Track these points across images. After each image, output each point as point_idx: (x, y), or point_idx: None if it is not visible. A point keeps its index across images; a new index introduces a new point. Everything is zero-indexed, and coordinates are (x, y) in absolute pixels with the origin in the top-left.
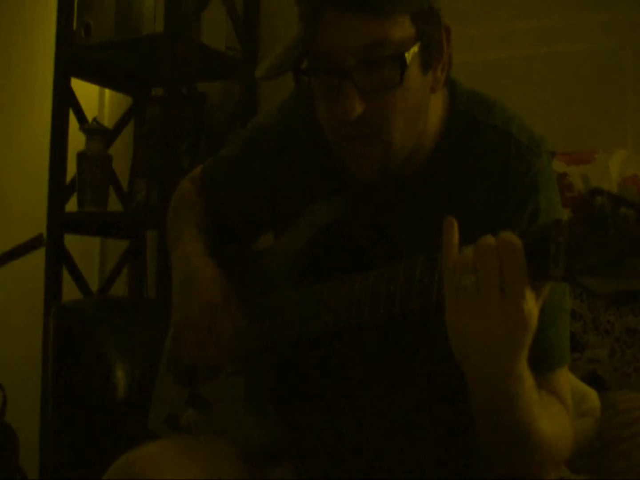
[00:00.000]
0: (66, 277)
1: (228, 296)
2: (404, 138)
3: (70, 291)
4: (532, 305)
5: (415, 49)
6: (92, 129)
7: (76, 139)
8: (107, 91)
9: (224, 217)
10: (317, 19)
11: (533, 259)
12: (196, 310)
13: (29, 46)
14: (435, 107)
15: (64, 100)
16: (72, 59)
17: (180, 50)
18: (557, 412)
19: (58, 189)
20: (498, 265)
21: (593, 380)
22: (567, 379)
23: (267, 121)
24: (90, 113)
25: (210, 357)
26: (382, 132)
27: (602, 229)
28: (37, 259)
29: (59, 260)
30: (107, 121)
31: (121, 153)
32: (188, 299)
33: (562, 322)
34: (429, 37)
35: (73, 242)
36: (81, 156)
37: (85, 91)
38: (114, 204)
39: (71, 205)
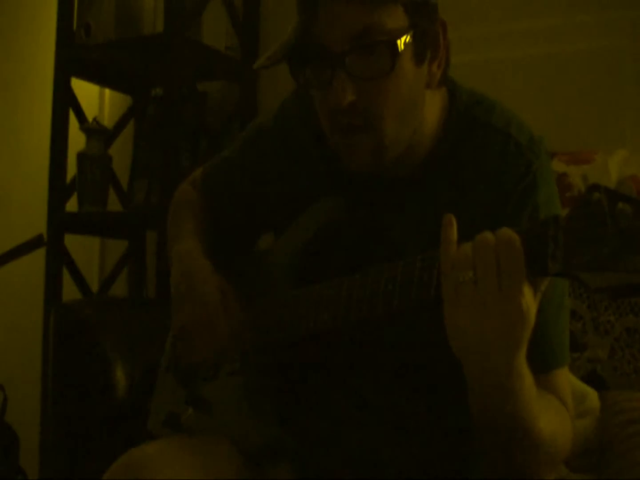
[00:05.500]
0: (66, 277)
1: (226, 295)
2: (398, 130)
3: (70, 291)
4: (530, 301)
5: (407, 38)
6: (92, 129)
7: (76, 139)
8: (107, 91)
9: (225, 218)
10: (311, 11)
11: (531, 255)
12: (195, 309)
13: (29, 46)
14: (434, 107)
15: (64, 100)
16: (72, 59)
17: (180, 50)
18: (556, 411)
19: (58, 189)
20: (496, 261)
21: (593, 380)
22: (567, 379)
23: (267, 122)
24: (90, 113)
25: (210, 355)
26: (375, 121)
27: (600, 224)
28: (37, 259)
29: (59, 260)
30: (107, 121)
31: (121, 153)
32: (186, 298)
33: (562, 321)
34: (422, 29)
35: (73, 242)
36: (81, 156)
37: (85, 91)
38: (114, 204)
39: (71, 205)
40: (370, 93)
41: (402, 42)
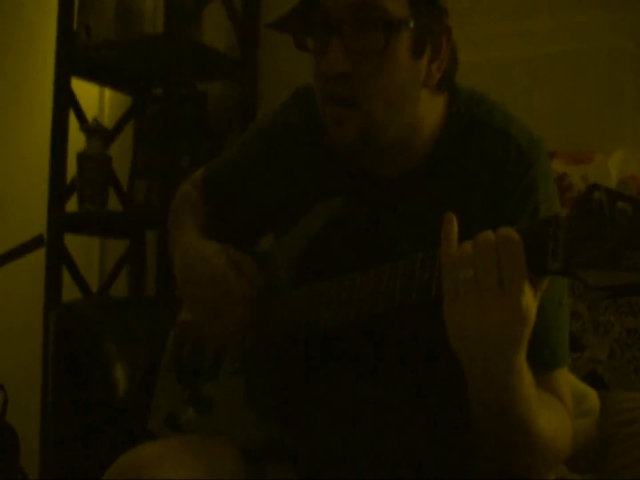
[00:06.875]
0: (66, 277)
1: (235, 261)
2: (386, 115)
3: (70, 291)
4: (530, 300)
5: (406, 25)
6: (92, 129)
7: (76, 139)
8: (107, 91)
9: (225, 219)
10: None
11: (531, 253)
12: (206, 283)
13: (29, 46)
14: (434, 108)
15: (64, 100)
16: (72, 59)
17: (180, 50)
18: (556, 411)
19: (58, 189)
20: (496, 259)
21: (593, 380)
22: (567, 380)
23: (267, 123)
24: (90, 113)
25: (230, 325)
26: (364, 98)
27: (600, 223)
28: (37, 259)
29: (59, 260)
30: (107, 121)
31: (121, 153)
32: (194, 282)
33: (561, 321)
34: (424, 25)
35: (73, 242)
36: (81, 156)
37: (85, 91)
38: (114, 204)
39: (71, 205)
40: (362, 69)
41: (399, 24)
